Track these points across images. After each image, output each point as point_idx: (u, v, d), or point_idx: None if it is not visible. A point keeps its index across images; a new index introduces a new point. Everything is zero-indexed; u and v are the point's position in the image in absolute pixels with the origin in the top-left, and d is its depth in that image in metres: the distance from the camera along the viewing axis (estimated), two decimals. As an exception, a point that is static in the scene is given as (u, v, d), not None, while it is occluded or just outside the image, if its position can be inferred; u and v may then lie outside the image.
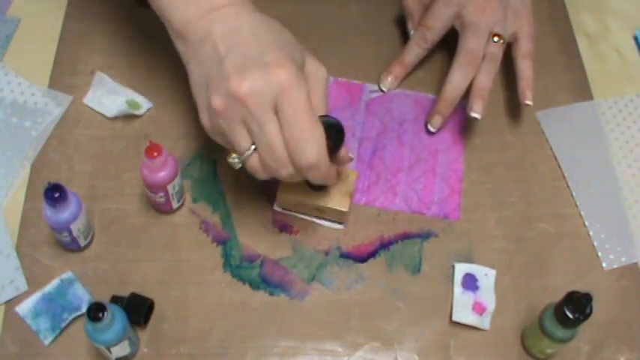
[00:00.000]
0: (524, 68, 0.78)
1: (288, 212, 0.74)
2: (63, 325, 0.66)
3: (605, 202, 0.77)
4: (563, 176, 0.79)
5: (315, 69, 0.63)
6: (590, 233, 0.75)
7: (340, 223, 0.74)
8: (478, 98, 0.75)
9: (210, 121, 0.62)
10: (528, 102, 0.77)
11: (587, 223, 0.76)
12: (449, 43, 0.87)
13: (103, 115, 0.78)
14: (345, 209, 0.71)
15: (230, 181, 0.76)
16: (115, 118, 0.78)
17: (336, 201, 0.71)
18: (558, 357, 0.68)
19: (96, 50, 0.83)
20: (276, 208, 0.74)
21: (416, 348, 0.68)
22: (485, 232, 0.75)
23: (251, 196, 0.75)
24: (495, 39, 0.76)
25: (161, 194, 0.69)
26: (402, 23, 0.88)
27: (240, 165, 0.62)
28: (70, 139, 0.77)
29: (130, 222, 0.73)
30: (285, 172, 0.60)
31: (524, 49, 0.78)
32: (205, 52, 0.61)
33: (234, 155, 0.62)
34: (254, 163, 0.61)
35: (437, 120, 0.78)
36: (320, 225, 0.74)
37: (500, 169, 0.79)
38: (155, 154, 0.65)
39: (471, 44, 0.76)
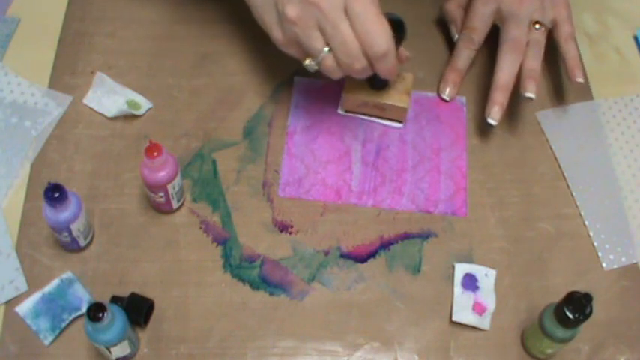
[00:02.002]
0: (569, 49, 0.79)
1: (351, 114, 0.79)
2: (63, 325, 0.66)
3: (605, 202, 0.77)
4: (563, 176, 0.79)
5: None
6: (590, 233, 0.75)
7: (399, 121, 0.79)
8: (530, 79, 0.76)
9: (284, 33, 0.67)
10: (579, 79, 0.78)
11: (587, 223, 0.76)
12: (451, 43, 0.87)
13: (103, 115, 0.78)
14: (405, 105, 0.77)
15: (230, 181, 0.76)
16: (115, 118, 0.78)
17: (397, 98, 0.77)
18: (558, 357, 0.68)
19: (96, 50, 0.83)
20: (340, 110, 0.80)
21: (416, 348, 0.68)
22: (486, 232, 0.75)
23: (251, 196, 0.75)
24: (537, 26, 0.78)
25: (161, 194, 0.69)
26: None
27: (316, 67, 0.68)
28: (70, 139, 0.77)
29: (130, 222, 0.73)
30: (359, 64, 0.66)
31: (566, 32, 0.80)
32: None
33: (309, 59, 0.67)
34: (329, 62, 0.67)
35: (496, 111, 0.76)
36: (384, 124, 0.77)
37: (501, 169, 0.79)
38: (155, 154, 0.65)
39: (513, 33, 0.77)
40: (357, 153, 0.78)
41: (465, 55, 0.81)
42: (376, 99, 0.77)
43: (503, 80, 0.76)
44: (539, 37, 0.78)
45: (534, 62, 0.77)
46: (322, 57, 0.66)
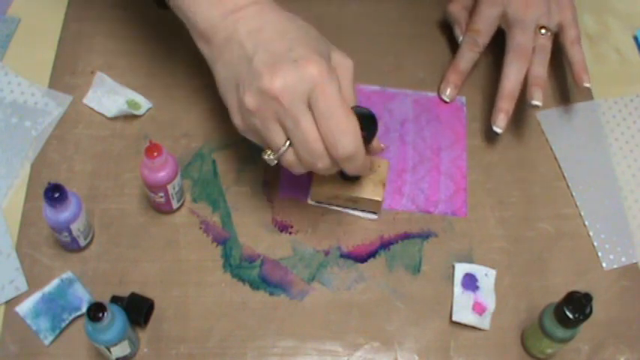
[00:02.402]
0: (575, 53, 0.79)
1: (322, 205, 0.75)
2: (63, 325, 0.66)
3: (605, 202, 0.77)
4: (563, 176, 0.79)
5: (342, 60, 0.63)
6: (590, 233, 0.75)
7: (374, 212, 0.74)
8: (536, 87, 0.76)
9: (244, 121, 0.62)
10: (587, 84, 0.78)
11: (587, 223, 0.76)
12: (451, 43, 0.87)
13: (103, 115, 0.78)
14: (379, 198, 0.72)
15: (230, 181, 0.76)
16: (115, 118, 0.78)
17: (370, 191, 0.72)
18: (558, 357, 0.69)
19: (96, 50, 0.83)
20: (310, 201, 0.75)
21: (416, 348, 0.68)
22: (486, 232, 0.75)
23: (251, 196, 0.75)
24: (543, 31, 0.77)
25: (161, 194, 0.69)
26: (401, 23, 0.88)
27: (275, 162, 0.62)
28: (70, 139, 0.77)
29: (130, 222, 0.73)
30: (322, 164, 0.60)
31: (572, 36, 0.79)
32: (232, 52, 0.62)
33: (269, 152, 0.62)
34: (290, 158, 0.61)
35: (502, 119, 0.76)
36: (356, 216, 0.74)
37: (501, 169, 0.79)
38: (155, 154, 0.65)
39: (519, 39, 0.77)
40: None
41: (468, 57, 0.81)
42: (348, 192, 0.72)
43: (510, 88, 0.76)
44: (546, 42, 0.78)
45: (540, 69, 0.77)
46: (282, 152, 0.61)
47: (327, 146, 0.59)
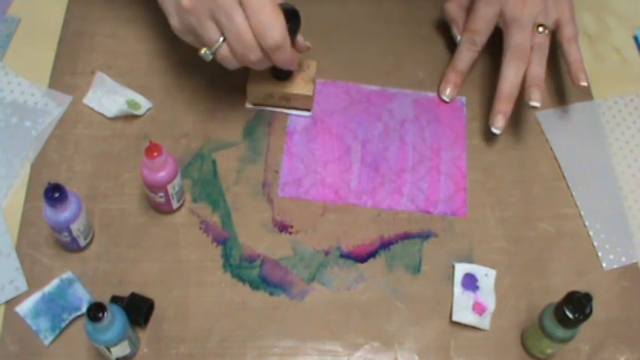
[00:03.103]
0: (573, 52, 0.79)
1: (258, 107, 0.80)
2: (63, 325, 0.66)
3: (605, 202, 0.77)
4: (563, 176, 0.79)
5: None
6: (590, 233, 0.75)
7: (307, 110, 0.80)
8: (534, 87, 0.76)
9: (181, 21, 0.68)
10: (584, 83, 0.78)
11: (587, 223, 0.76)
12: (451, 43, 0.87)
13: (103, 115, 0.78)
14: (309, 93, 0.77)
15: (230, 181, 0.76)
16: (115, 118, 0.78)
17: (301, 87, 0.77)
18: (558, 357, 0.69)
19: (96, 50, 0.83)
20: (248, 105, 0.80)
21: (416, 348, 0.68)
22: (486, 232, 0.75)
23: (251, 196, 0.75)
24: (540, 29, 0.77)
25: (161, 194, 0.69)
26: (400, 23, 0.88)
27: (211, 57, 0.67)
28: (70, 139, 0.77)
29: (130, 222, 0.73)
30: (253, 56, 0.66)
31: (568, 34, 0.79)
32: None
33: (205, 49, 0.67)
34: (224, 52, 0.67)
35: (500, 120, 0.76)
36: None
37: (501, 169, 0.79)
38: (155, 154, 0.65)
39: (517, 39, 0.77)
40: (356, 153, 0.78)
41: (466, 56, 0.81)
42: (280, 89, 0.77)
43: (508, 89, 0.76)
44: (543, 40, 0.78)
45: (539, 68, 0.77)
46: (217, 47, 0.66)
47: (257, 38, 0.65)
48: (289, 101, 0.78)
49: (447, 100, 0.82)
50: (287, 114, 0.80)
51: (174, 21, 0.69)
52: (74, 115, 0.79)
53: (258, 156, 0.78)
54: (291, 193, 0.75)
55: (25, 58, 0.82)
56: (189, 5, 0.65)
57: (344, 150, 0.78)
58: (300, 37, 0.71)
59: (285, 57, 0.67)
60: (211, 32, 0.66)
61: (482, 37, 0.80)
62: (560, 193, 0.78)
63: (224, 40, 0.66)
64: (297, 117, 0.80)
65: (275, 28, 0.64)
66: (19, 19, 0.85)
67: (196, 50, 0.84)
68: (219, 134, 0.78)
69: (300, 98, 0.78)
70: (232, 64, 0.68)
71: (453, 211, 0.75)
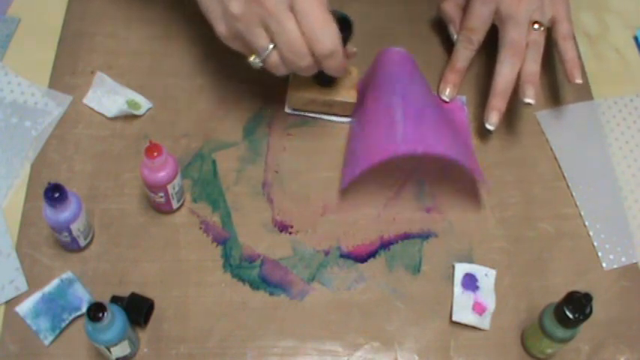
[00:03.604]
0: (568, 49, 0.79)
1: (298, 113, 0.79)
2: (63, 325, 0.66)
3: (605, 202, 0.77)
4: (563, 176, 0.79)
5: None
6: (590, 233, 0.75)
7: (348, 116, 0.79)
8: (529, 84, 0.76)
9: (228, 28, 0.66)
10: (578, 80, 0.78)
11: (587, 223, 0.76)
12: (449, 42, 0.87)
13: (103, 115, 0.78)
14: (353, 100, 0.76)
15: (230, 181, 0.76)
16: (115, 118, 0.78)
17: (344, 94, 0.76)
18: (558, 357, 0.69)
19: (96, 50, 0.83)
20: (287, 109, 0.79)
21: (416, 348, 0.68)
22: (485, 232, 0.75)
23: (251, 196, 0.75)
24: (535, 26, 0.78)
25: (161, 194, 0.69)
26: (402, 23, 0.88)
27: (260, 64, 0.67)
28: (70, 139, 0.77)
29: (130, 222, 0.73)
30: (304, 63, 0.65)
31: (564, 31, 0.79)
32: None
33: (254, 56, 0.67)
34: (274, 59, 0.66)
35: (494, 116, 0.76)
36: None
37: (501, 169, 0.79)
38: (155, 154, 0.65)
39: (513, 35, 0.77)
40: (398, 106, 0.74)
41: (464, 55, 0.81)
42: (323, 96, 0.76)
43: (502, 86, 0.76)
44: (538, 38, 0.78)
45: (534, 65, 0.77)
46: (266, 54, 0.65)
47: (309, 44, 0.64)
48: (331, 108, 0.78)
49: (447, 99, 0.82)
50: (326, 120, 0.79)
51: (221, 28, 0.67)
52: (74, 115, 0.79)
53: (258, 156, 0.78)
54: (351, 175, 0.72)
55: (25, 58, 0.82)
56: (239, 11, 0.64)
57: (385, 106, 0.74)
58: (348, 45, 0.70)
59: (336, 64, 0.66)
60: (261, 39, 0.65)
61: (478, 35, 0.80)
62: (560, 193, 0.78)
63: (274, 47, 0.65)
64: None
65: (327, 35, 0.63)
66: (19, 19, 0.85)
67: (195, 50, 0.84)
68: (219, 134, 0.78)
69: (342, 105, 0.77)
70: (281, 71, 0.67)
71: (473, 170, 0.72)
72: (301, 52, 0.64)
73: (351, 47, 0.71)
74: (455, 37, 0.83)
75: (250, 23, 0.64)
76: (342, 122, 0.79)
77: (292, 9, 0.63)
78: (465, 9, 0.82)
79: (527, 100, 0.75)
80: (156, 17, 0.86)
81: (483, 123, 0.80)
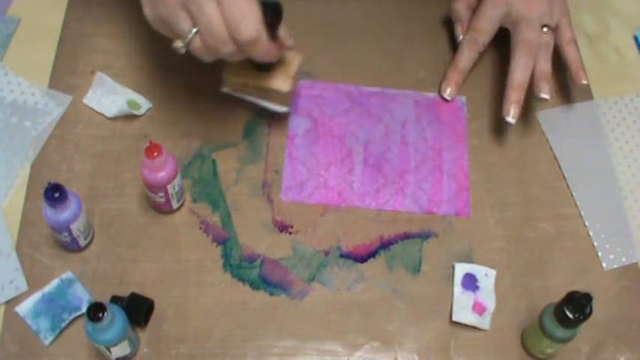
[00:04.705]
0: (572, 53, 0.81)
1: (234, 94, 0.75)
2: (63, 325, 0.66)
3: (605, 202, 0.77)
4: (563, 176, 0.79)
5: None
6: (590, 233, 0.75)
7: (284, 105, 0.75)
8: (543, 81, 0.77)
9: (153, 11, 0.65)
10: (584, 81, 0.80)
11: (587, 223, 0.76)
12: (451, 43, 0.87)
13: (103, 115, 0.78)
14: (285, 89, 0.72)
15: (230, 181, 0.76)
16: (115, 118, 0.78)
17: (279, 82, 0.72)
18: (558, 357, 0.69)
19: (96, 50, 0.83)
20: (224, 89, 0.75)
21: (416, 348, 0.68)
22: (486, 232, 0.75)
23: (251, 196, 0.75)
24: (545, 29, 0.79)
25: (161, 194, 0.69)
26: (400, 22, 0.88)
27: (184, 49, 0.64)
28: (70, 139, 0.77)
29: (130, 222, 0.73)
30: (226, 49, 0.62)
31: (567, 37, 0.81)
32: None
33: (178, 40, 0.64)
34: (197, 44, 0.63)
35: (515, 110, 0.76)
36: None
37: (501, 169, 0.79)
38: (155, 154, 0.65)
39: (526, 35, 0.78)
40: (359, 155, 0.78)
41: (468, 56, 0.81)
42: (257, 82, 0.73)
43: (519, 80, 0.77)
44: (549, 39, 0.79)
45: (546, 65, 0.78)
46: (189, 38, 0.63)
47: (230, 31, 0.61)
48: (266, 94, 0.74)
49: (449, 98, 0.82)
50: (266, 108, 0.76)
51: (147, 10, 0.66)
52: (74, 115, 0.79)
53: (258, 156, 0.78)
54: (294, 197, 0.75)
55: (25, 58, 0.82)
56: None
57: (346, 152, 0.78)
58: (282, 31, 0.68)
59: (260, 51, 0.64)
60: (183, 23, 0.63)
61: (485, 37, 0.81)
62: (560, 193, 0.78)
63: (196, 31, 0.63)
64: (298, 120, 0.80)
65: (248, 21, 0.61)
66: (19, 19, 0.85)
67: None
68: (219, 134, 0.78)
69: (276, 94, 0.73)
70: (205, 57, 0.65)
71: (457, 211, 0.75)
72: (222, 37, 0.62)
73: (286, 35, 0.69)
74: (460, 37, 0.83)
75: (172, 6, 0.62)
76: (277, 111, 0.76)
77: None
78: (475, 10, 0.82)
79: (543, 96, 0.77)
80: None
81: (483, 123, 0.80)
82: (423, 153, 0.79)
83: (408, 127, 0.80)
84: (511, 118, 0.76)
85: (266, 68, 0.72)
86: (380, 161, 0.78)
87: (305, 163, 0.77)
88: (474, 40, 0.81)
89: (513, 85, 0.77)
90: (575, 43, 0.81)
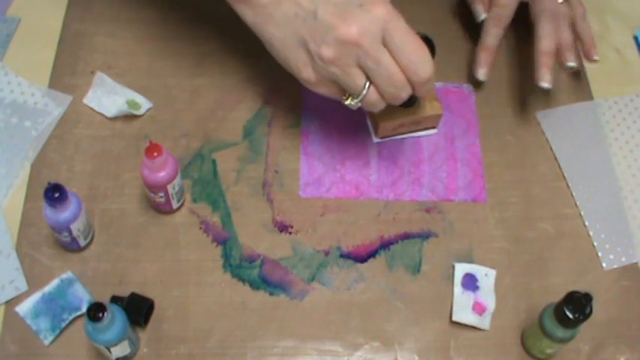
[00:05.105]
0: (586, 29, 0.81)
1: (384, 140, 0.79)
2: (63, 325, 0.66)
3: (605, 202, 0.77)
4: (563, 176, 0.79)
5: None
6: (590, 233, 0.75)
7: (433, 127, 0.80)
8: (570, 50, 0.78)
9: (317, 73, 0.66)
10: (596, 57, 0.80)
11: (587, 223, 0.76)
12: (455, 36, 0.87)
13: (103, 115, 0.78)
14: (440, 111, 0.77)
15: (230, 181, 0.76)
16: (115, 118, 0.78)
17: (434, 108, 0.77)
18: (558, 357, 0.68)
19: (96, 50, 0.83)
20: (376, 139, 0.79)
21: (416, 348, 0.68)
22: (486, 232, 0.75)
23: (251, 196, 0.75)
24: (560, 0, 0.80)
25: (161, 194, 0.69)
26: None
27: (359, 104, 0.66)
28: (70, 139, 0.77)
29: (130, 222, 0.73)
30: (405, 93, 0.65)
31: (580, 12, 0.82)
32: (285, 11, 0.65)
33: (350, 97, 0.66)
34: (372, 97, 0.65)
35: (547, 73, 0.76)
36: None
37: (501, 169, 0.79)
38: (155, 154, 0.65)
39: (547, 5, 0.79)
40: (373, 147, 0.78)
41: (494, 32, 0.81)
42: (412, 117, 0.76)
43: (549, 46, 0.77)
44: (566, 10, 0.80)
45: (568, 34, 0.78)
46: (364, 94, 0.64)
47: (408, 75, 0.63)
48: (419, 125, 0.78)
49: (483, 79, 0.81)
50: (411, 137, 0.79)
51: (307, 74, 0.66)
52: (74, 115, 0.79)
53: (258, 156, 0.78)
54: (312, 193, 0.75)
55: (25, 58, 0.82)
56: (332, 55, 0.62)
57: (360, 145, 0.78)
58: None
59: (431, 87, 0.66)
60: (358, 79, 0.64)
61: (508, 10, 0.81)
62: (560, 193, 0.78)
63: (370, 84, 0.64)
64: (310, 115, 0.80)
65: (425, 62, 0.63)
66: (19, 19, 0.85)
67: (195, 50, 0.84)
68: (219, 134, 0.78)
69: (431, 119, 0.77)
70: (379, 107, 0.66)
71: (474, 197, 0.76)
72: (401, 83, 0.64)
73: None
74: (482, 16, 0.82)
75: (346, 65, 0.63)
76: (429, 135, 0.79)
77: (385, 43, 0.62)
78: None
79: (570, 64, 0.77)
80: (156, 17, 0.86)
81: (482, 123, 0.80)
82: (435, 142, 0.79)
83: None
84: (546, 83, 0.76)
85: (413, 104, 0.75)
86: (394, 153, 0.78)
87: (320, 159, 0.77)
88: (498, 17, 0.81)
89: (544, 52, 0.77)
90: (586, 19, 0.81)
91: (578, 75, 0.86)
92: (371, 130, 0.79)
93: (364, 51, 0.61)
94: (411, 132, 0.79)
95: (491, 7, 0.82)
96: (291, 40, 0.65)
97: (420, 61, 0.63)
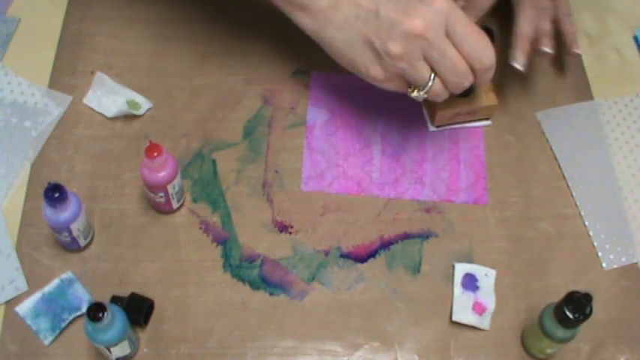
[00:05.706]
0: (569, 25, 0.81)
1: (440, 129, 0.80)
2: (63, 325, 0.66)
3: (605, 202, 0.77)
4: (563, 176, 0.79)
5: None
6: (590, 233, 0.75)
7: (487, 119, 0.81)
8: (546, 37, 0.79)
9: (386, 70, 0.67)
10: (578, 50, 0.80)
11: (587, 223, 0.76)
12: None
13: (103, 115, 0.78)
14: (495, 102, 0.78)
15: (230, 181, 0.76)
16: (115, 118, 0.78)
17: (489, 99, 0.78)
18: (558, 357, 0.68)
19: (96, 50, 0.83)
20: (432, 128, 0.80)
21: (416, 348, 0.68)
22: (486, 232, 0.75)
23: (251, 196, 0.75)
24: None
25: (161, 194, 0.69)
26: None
27: (425, 96, 0.67)
28: (70, 139, 0.77)
29: (130, 222, 0.73)
30: (468, 82, 0.67)
31: (565, 11, 0.81)
32: (345, 14, 0.66)
33: (415, 89, 0.67)
34: (437, 88, 0.67)
35: (522, 58, 0.77)
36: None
37: (501, 169, 0.79)
38: (155, 154, 0.65)
39: None
40: (376, 145, 0.79)
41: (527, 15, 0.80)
42: (468, 106, 0.77)
43: (526, 30, 0.77)
44: (549, 5, 0.79)
45: (547, 24, 0.79)
46: (430, 84, 0.66)
47: (471, 63, 0.65)
48: (474, 115, 0.79)
49: (522, 68, 0.79)
50: (465, 127, 0.80)
51: (375, 72, 0.68)
52: (74, 115, 0.79)
53: (258, 156, 0.78)
54: (314, 187, 0.75)
55: (25, 58, 0.82)
56: (400, 50, 0.64)
57: (364, 142, 0.79)
58: None
59: (491, 74, 0.67)
60: (424, 71, 0.65)
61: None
62: (560, 193, 0.78)
63: (435, 75, 0.66)
64: (316, 111, 0.80)
65: (487, 50, 0.65)
66: (19, 19, 0.85)
67: (195, 50, 0.84)
68: (219, 134, 0.78)
69: (485, 110, 0.79)
70: (443, 97, 0.68)
71: (475, 199, 0.76)
72: (465, 72, 0.65)
73: None
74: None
75: (413, 59, 0.64)
76: (483, 125, 0.80)
77: (448, 34, 0.64)
78: None
79: (545, 49, 0.78)
80: (156, 17, 0.86)
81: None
82: (439, 143, 0.79)
83: (424, 118, 0.81)
84: (518, 64, 0.77)
85: (469, 93, 0.76)
86: (397, 151, 0.78)
87: (324, 154, 0.78)
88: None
89: (521, 35, 0.77)
90: (572, 16, 0.81)
91: (578, 75, 0.86)
92: (427, 118, 0.80)
93: (430, 43, 0.63)
94: (466, 122, 0.80)
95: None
96: (355, 41, 0.67)
97: (482, 49, 0.65)
